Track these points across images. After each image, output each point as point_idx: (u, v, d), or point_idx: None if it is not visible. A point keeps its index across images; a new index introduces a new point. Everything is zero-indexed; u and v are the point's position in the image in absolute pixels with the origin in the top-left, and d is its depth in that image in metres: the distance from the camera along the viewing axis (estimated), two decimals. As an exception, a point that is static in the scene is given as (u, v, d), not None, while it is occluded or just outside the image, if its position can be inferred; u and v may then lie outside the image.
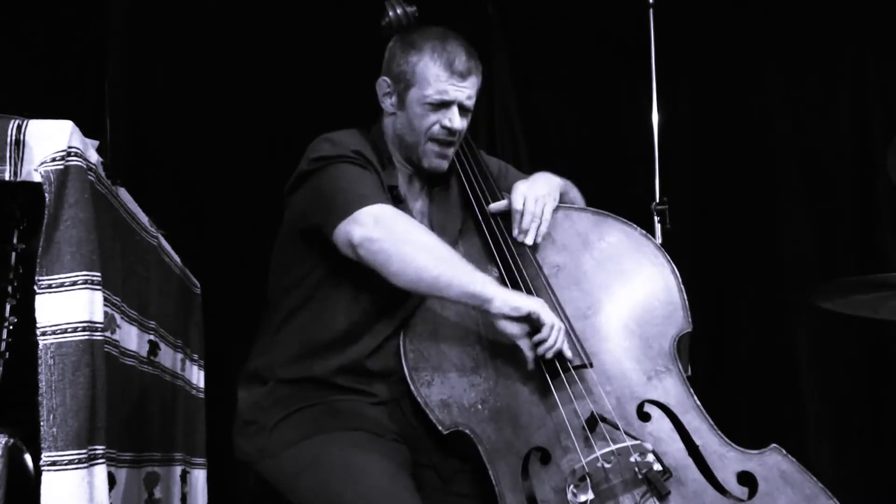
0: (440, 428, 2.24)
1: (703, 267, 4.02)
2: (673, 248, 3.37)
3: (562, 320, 2.21)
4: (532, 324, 2.16)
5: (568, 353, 2.19)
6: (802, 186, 4.03)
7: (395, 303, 2.33)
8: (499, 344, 2.26)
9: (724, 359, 3.98)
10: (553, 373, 2.20)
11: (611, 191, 3.87)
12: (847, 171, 4.01)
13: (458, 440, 2.24)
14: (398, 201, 2.35)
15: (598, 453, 2.13)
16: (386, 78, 2.39)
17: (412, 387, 2.27)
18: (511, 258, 2.33)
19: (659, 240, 3.27)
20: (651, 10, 3.42)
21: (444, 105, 2.33)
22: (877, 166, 3.87)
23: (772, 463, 2.18)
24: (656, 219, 3.30)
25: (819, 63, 4.06)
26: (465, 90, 2.34)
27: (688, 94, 4.01)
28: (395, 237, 2.16)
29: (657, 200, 3.33)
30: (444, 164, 2.41)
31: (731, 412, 3.91)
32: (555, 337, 2.15)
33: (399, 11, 2.48)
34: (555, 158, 4.09)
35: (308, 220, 2.30)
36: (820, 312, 2.89)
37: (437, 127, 2.34)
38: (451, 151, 2.40)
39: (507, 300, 2.14)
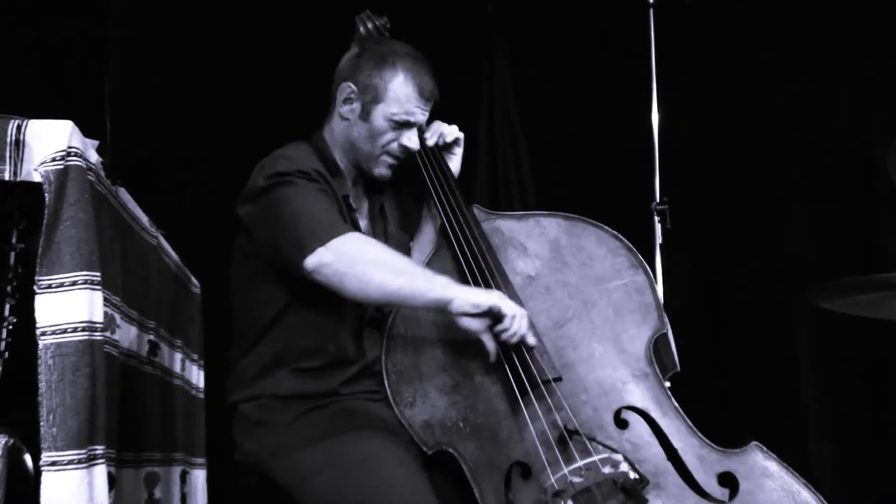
0: (424, 448, 2.24)
1: (703, 266, 4.02)
2: (673, 248, 3.38)
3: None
4: (494, 317, 2.18)
5: (531, 341, 2.20)
6: (802, 186, 4.03)
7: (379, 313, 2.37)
8: (476, 361, 2.27)
9: (725, 359, 3.98)
10: (522, 390, 2.20)
11: (611, 191, 3.90)
12: (847, 171, 4.01)
13: (443, 459, 2.24)
14: (350, 210, 2.39)
15: (566, 470, 2.12)
16: (351, 84, 2.41)
17: (395, 409, 2.28)
18: (480, 273, 2.33)
19: (659, 240, 3.27)
20: (651, 10, 3.42)
21: (407, 125, 2.40)
22: (877, 166, 3.87)
23: (752, 461, 2.16)
24: (656, 219, 3.29)
25: (819, 63, 4.06)
26: (427, 113, 2.44)
27: (688, 94, 4.01)
28: (349, 258, 2.18)
29: (657, 200, 3.33)
30: (391, 174, 2.47)
31: (730, 412, 3.91)
32: (517, 324, 2.18)
33: (370, 25, 2.56)
34: (554, 158, 4.09)
35: (274, 250, 2.28)
36: (820, 312, 2.89)
37: (395, 144, 2.42)
38: (399, 164, 2.47)
39: (467, 298, 2.18)
